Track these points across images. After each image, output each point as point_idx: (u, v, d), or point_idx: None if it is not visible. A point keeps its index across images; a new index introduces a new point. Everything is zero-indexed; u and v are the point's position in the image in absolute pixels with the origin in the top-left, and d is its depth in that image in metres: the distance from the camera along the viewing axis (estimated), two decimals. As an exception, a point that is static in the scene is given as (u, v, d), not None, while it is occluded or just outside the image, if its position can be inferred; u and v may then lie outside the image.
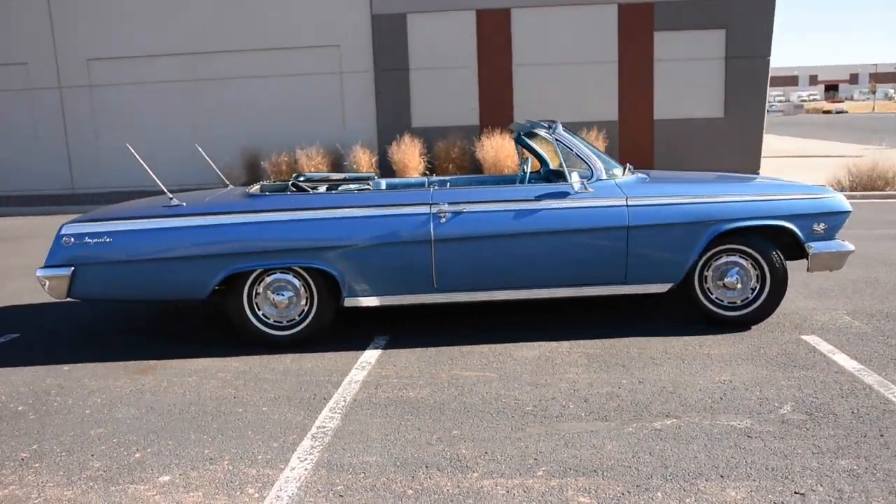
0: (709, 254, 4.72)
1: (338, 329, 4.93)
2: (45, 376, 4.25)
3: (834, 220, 4.70)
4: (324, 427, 3.41)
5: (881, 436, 3.11)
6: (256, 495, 2.80)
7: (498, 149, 13.47)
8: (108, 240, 4.39)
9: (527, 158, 5.85)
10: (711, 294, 4.78)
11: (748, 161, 14.21)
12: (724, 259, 4.74)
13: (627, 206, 4.56)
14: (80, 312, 5.67)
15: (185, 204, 4.56)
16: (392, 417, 3.49)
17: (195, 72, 15.35)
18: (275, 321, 4.60)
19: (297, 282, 4.57)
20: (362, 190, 4.80)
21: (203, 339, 4.91)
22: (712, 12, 14.02)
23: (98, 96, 15.65)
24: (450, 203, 4.51)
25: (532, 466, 2.94)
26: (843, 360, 4.08)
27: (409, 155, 13.84)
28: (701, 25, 14.09)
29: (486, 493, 2.75)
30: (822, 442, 3.07)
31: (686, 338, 4.57)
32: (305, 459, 3.08)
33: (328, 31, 15.05)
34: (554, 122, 4.93)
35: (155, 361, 4.45)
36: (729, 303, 4.77)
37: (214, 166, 6.01)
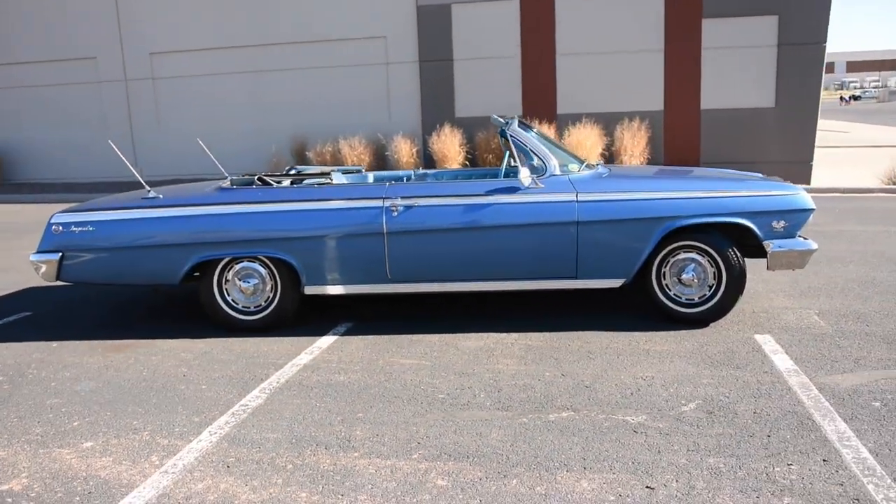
0: (666, 250, 4.72)
1: (307, 314, 5.20)
2: (34, 351, 4.70)
3: (795, 218, 4.62)
4: (246, 405, 3.68)
5: (767, 436, 3.12)
6: (157, 462, 3.09)
7: (536, 139, 13.46)
8: (91, 228, 4.81)
9: (507, 152, 5.94)
10: (670, 290, 4.78)
11: (800, 151, 13.67)
12: (682, 255, 4.73)
13: (577, 201, 4.62)
14: (91, 295, 6.17)
15: (161, 196, 4.92)
16: (311, 399, 3.73)
17: (249, 64, 15.98)
18: (243, 306, 4.92)
19: (263, 270, 4.86)
20: (322, 184, 5.03)
21: (186, 322, 5.27)
22: (764, -3, 13.52)
23: (160, 88, 16.53)
24: (402, 197, 4.70)
25: (411, 449, 3.12)
26: (781, 360, 4.04)
27: (449, 145, 14.02)
28: (752, 11, 13.59)
29: (355, 471, 2.95)
30: (703, 440, 3.10)
31: (637, 333, 4.60)
32: (215, 434, 3.36)
33: (375, 22, 15.35)
34: (512, 118, 5.01)
35: (133, 341, 4.84)
36: (687, 300, 4.76)
37: (215, 160, 6.37)
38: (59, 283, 4.98)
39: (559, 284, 4.76)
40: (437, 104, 15.39)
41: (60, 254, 4.82)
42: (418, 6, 15.09)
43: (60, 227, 4.83)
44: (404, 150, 14.29)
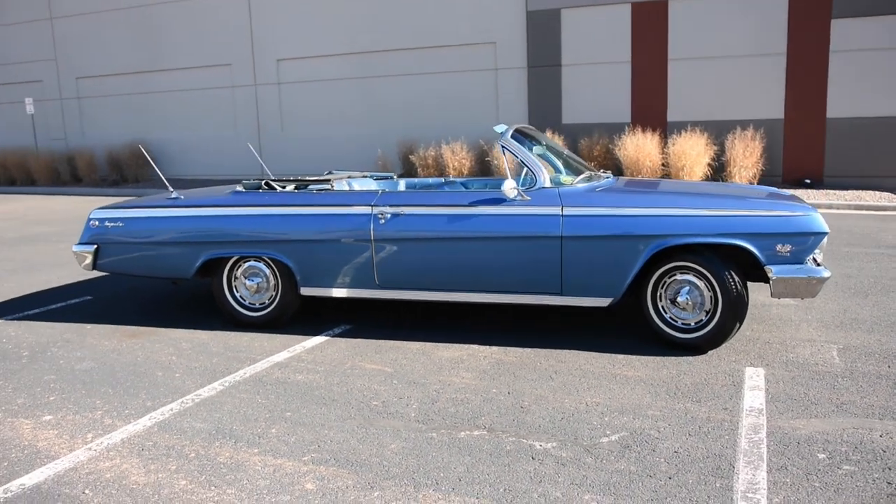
0: (661, 270, 4.46)
1: (315, 314, 5.42)
2: (67, 331, 5.27)
3: (802, 242, 4.19)
4: (198, 395, 3.94)
5: (668, 479, 2.89)
6: (89, 440, 3.40)
7: (639, 147, 12.98)
8: (121, 224, 5.31)
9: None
10: (666, 313, 4.52)
11: (943, 167, 12.17)
12: (679, 277, 4.45)
13: (562, 215, 4.47)
14: (141, 285, 6.77)
15: (182, 197, 5.33)
16: (257, 395, 3.92)
17: (363, 70, 16.66)
18: (249, 303, 5.22)
19: (267, 270, 5.13)
20: (321, 190, 5.21)
21: (208, 315, 5.64)
22: (907, -6, 12.16)
23: (285, 93, 17.64)
24: (390, 205, 4.78)
25: (307, 451, 3.20)
26: (753, 398, 3.70)
27: (549, 152, 13.84)
28: (887, 10, 12.27)
29: (243, 466, 3.08)
30: (596, 475, 2.94)
31: (621, 356, 4.38)
32: (154, 419, 3.63)
33: (485, 28, 15.47)
34: (508, 127, 4.92)
35: (152, 329, 5.29)
36: (683, 324, 4.47)
37: (261, 160, 6.78)
38: (94, 271, 5.52)
39: (544, 300, 4.63)
40: (544, 110, 15.25)
41: (96, 246, 5.36)
42: (528, 11, 15.04)
43: (97, 222, 5.37)
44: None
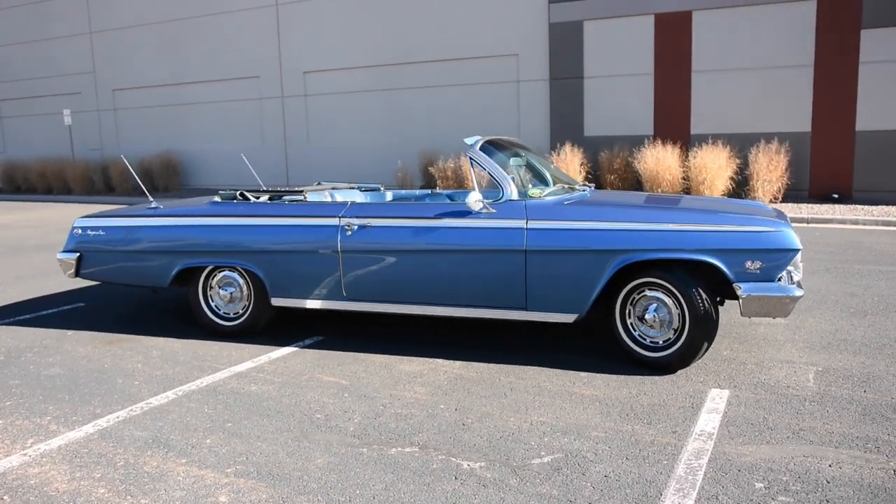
0: (630, 286, 4.33)
1: (293, 324, 5.42)
2: (47, 337, 5.37)
3: (773, 259, 4.02)
4: (149, 403, 3.95)
5: (579, 502, 2.78)
6: (28, 445, 3.43)
7: (659, 160, 12.75)
8: (101, 233, 5.40)
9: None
10: (634, 331, 4.38)
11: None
12: (648, 293, 4.31)
13: (526, 228, 4.38)
14: (135, 294, 6.85)
15: (160, 207, 5.39)
16: (206, 405, 3.91)
17: (387, 82, 16.76)
18: (223, 313, 5.24)
19: (241, 280, 5.15)
20: (293, 201, 5.21)
21: (192, 324, 5.68)
22: (941, 3, 11.72)
23: (311, 105, 17.85)
24: (357, 217, 4.75)
25: (232, 463, 3.17)
26: (707, 421, 3.55)
27: (569, 165, 13.69)
28: (920, 20, 11.85)
29: (165, 476, 3.06)
30: (515, 497, 2.83)
31: (585, 374, 4.26)
32: (98, 426, 3.65)
33: (507, 40, 15.44)
34: (478, 139, 4.85)
35: (130, 336, 5.34)
36: (651, 342, 4.33)
37: (255, 174, 6.83)
38: (77, 278, 5.60)
39: (509, 315, 4.53)
40: (565, 122, 15.13)
41: (79, 254, 5.45)
42: (550, 23, 14.96)
43: (80, 231, 5.47)
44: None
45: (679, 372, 4.26)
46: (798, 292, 4.03)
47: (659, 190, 12.70)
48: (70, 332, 5.48)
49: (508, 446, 3.30)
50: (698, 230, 4.12)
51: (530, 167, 5.43)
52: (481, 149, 4.74)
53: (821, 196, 12.86)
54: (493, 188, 4.67)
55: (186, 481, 3.03)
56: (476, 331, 5.20)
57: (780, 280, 4.07)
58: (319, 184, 6.38)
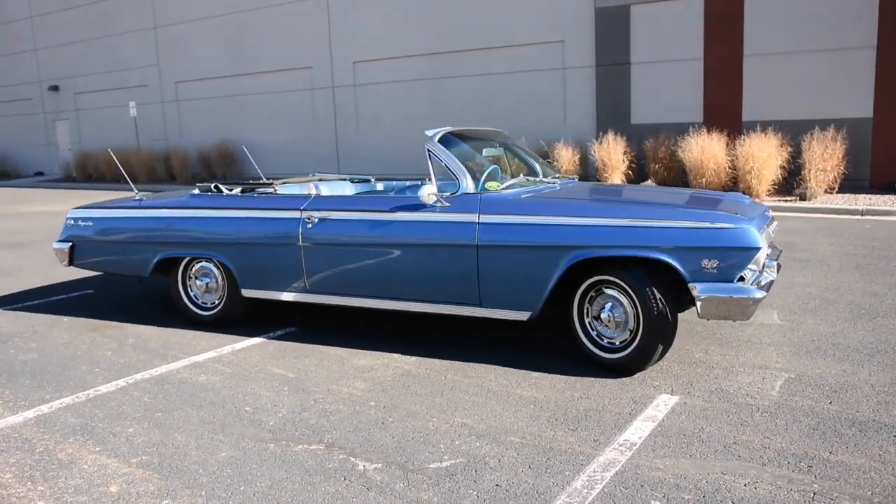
0: (587, 283, 4.14)
1: (271, 315, 5.47)
2: (41, 323, 5.60)
3: (730, 257, 3.75)
4: (97, 391, 4.06)
5: (465, 512, 2.67)
6: (-33, 429, 3.59)
7: (703, 149, 12.21)
8: (90, 223, 5.58)
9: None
10: (592, 330, 4.20)
11: None
12: (606, 292, 4.12)
13: (478, 223, 4.25)
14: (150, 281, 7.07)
15: (143, 199, 5.53)
16: (148, 393, 3.98)
17: (433, 71, 16.71)
18: (201, 302, 5.33)
19: (216, 270, 5.22)
20: (263, 193, 5.22)
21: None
22: None
23: (360, 94, 18.00)
24: (317, 210, 4.72)
25: (142, 453, 3.21)
26: (637, 430, 3.35)
27: (612, 153, 13.30)
28: None
29: (73, 465, 3.13)
30: (390, 500, 2.75)
31: (535, 374, 4.11)
32: (41, 411, 3.77)
33: (553, 26, 15.10)
34: (439, 131, 4.71)
35: (117, 324, 5.51)
36: (608, 343, 4.14)
37: (256, 165, 6.92)
38: (71, 267, 5.82)
39: (464, 311, 4.42)
40: (612, 110, 14.70)
41: (71, 244, 5.66)
42: (597, 8, 14.54)
43: (73, 221, 5.67)
44: (565, 157, 13.88)
45: (637, 375, 4.05)
46: (758, 294, 3.75)
47: (703, 181, 12.16)
48: (66, 319, 5.71)
49: (415, 448, 3.21)
50: (651, 226, 3.89)
51: (510, 159, 5.27)
52: (443, 140, 4.62)
53: (883, 187, 12.01)
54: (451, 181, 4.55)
55: (90, 470, 3.09)
56: (451, 326, 5.10)
57: (740, 280, 3.80)
58: (314, 174, 6.40)
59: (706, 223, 3.82)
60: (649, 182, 12.90)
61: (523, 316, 4.25)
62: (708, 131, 12.48)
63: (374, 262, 4.57)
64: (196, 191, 5.46)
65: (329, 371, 4.29)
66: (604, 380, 4.00)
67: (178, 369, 4.40)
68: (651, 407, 3.61)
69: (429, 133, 4.65)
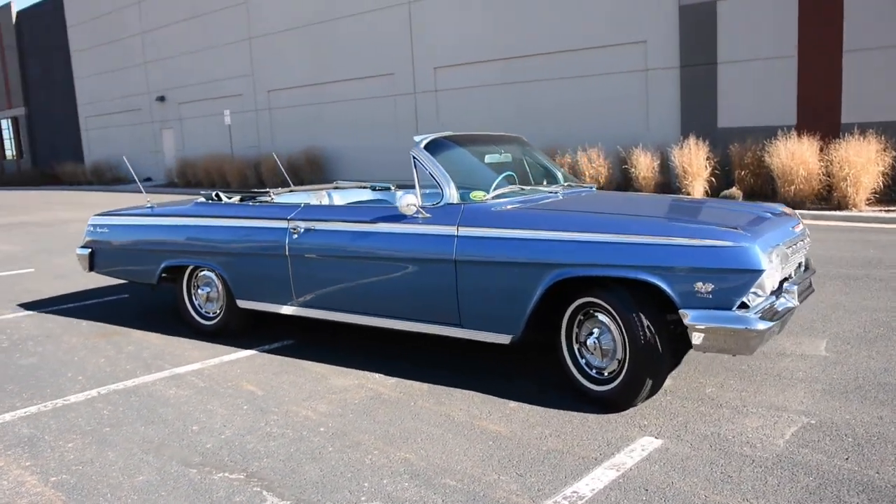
0: (574, 305, 3.71)
1: (275, 328, 5.33)
2: (59, 328, 5.70)
3: (727, 280, 3.22)
4: (67, 400, 4.02)
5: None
6: (-73, 435, 3.62)
7: (793, 154, 11.19)
8: (107, 230, 5.65)
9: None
10: (581, 358, 3.76)
11: None
12: (596, 316, 3.68)
13: (457, 235, 3.90)
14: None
15: (154, 206, 5.52)
16: (109, 405, 3.90)
17: (513, 75, 16.33)
18: (204, 312, 5.27)
19: (216, 280, 5.13)
20: (259, 202, 5.06)
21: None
22: None
23: (441, 100, 17.87)
24: (304, 220, 4.52)
25: (66, 471, 3.10)
26: (592, 482, 2.90)
27: (693, 159, 12.45)
28: None
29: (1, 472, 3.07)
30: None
31: (515, 403, 3.71)
32: (15, 414, 3.76)
33: (635, 27, 14.38)
34: (427, 137, 4.38)
35: (128, 330, 5.53)
36: (597, 372, 3.69)
37: (283, 170, 6.83)
38: (92, 272, 5.91)
39: (445, 331, 4.07)
40: (697, 113, 13.82)
41: (90, 250, 5.75)
42: (681, 5, 13.73)
43: (92, 228, 5.76)
44: (644, 164, 13.15)
45: (627, 412, 3.58)
46: (761, 325, 3.20)
47: (792, 189, 11.14)
48: (84, 323, 5.80)
49: (336, 485, 2.92)
50: (635, 242, 3.41)
51: (519, 166, 4.88)
52: (433, 146, 4.30)
53: None
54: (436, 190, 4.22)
55: (5, 486, 3.00)
56: (453, 345, 4.75)
57: (742, 307, 3.25)
58: (336, 183, 6.25)
59: (698, 240, 3.30)
60: (733, 190, 11.95)
61: (505, 339, 3.86)
62: (801, 135, 11.44)
63: (357, 275, 4.32)
64: (200, 199, 5.40)
65: (300, 390, 4.06)
66: (587, 415, 3.55)
67: (155, 381, 4.31)
68: (624, 452, 3.14)
69: (417, 138, 4.34)
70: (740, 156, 12.45)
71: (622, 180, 13.77)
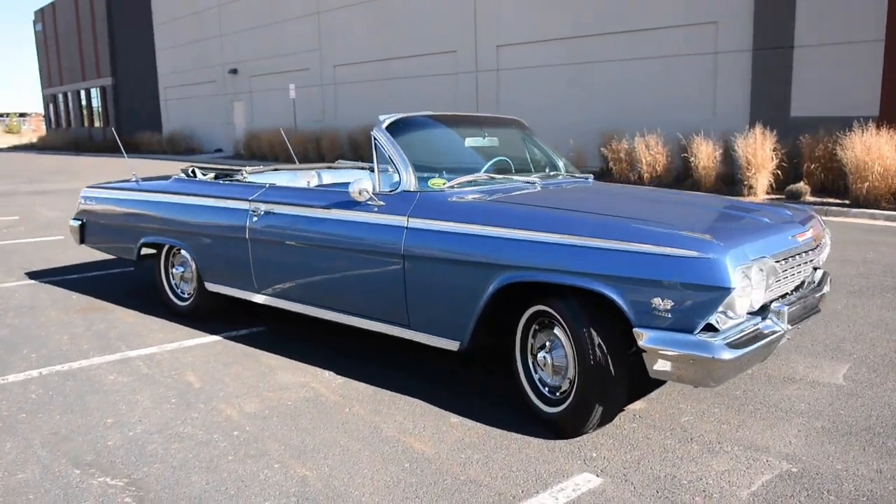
0: (527, 314, 3.28)
1: (249, 312, 5.10)
2: (50, 299, 5.65)
3: (689, 297, 2.71)
4: (6, 379, 3.89)
5: None
6: None
7: (868, 148, 10.16)
8: (94, 203, 5.53)
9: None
10: (535, 374, 3.33)
11: None
12: (551, 326, 3.24)
13: (406, 227, 3.51)
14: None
15: (139, 180, 5.34)
16: (41, 388, 3.75)
17: (574, 55, 15.61)
18: (179, 292, 5.08)
19: (189, 259, 4.92)
20: (230, 181, 4.78)
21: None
22: None
23: (503, 79, 17.31)
24: (265, 201, 4.23)
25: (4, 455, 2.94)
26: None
27: (758, 150, 11.52)
28: None
29: None
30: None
31: (458, 419, 3.34)
32: (-67, 396, 3.67)
33: (705, 6, 13.43)
34: (391, 116, 3.96)
35: (111, 306, 5.42)
36: (550, 391, 3.26)
37: (290, 147, 6.58)
38: (82, 245, 5.81)
39: (393, 331, 3.71)
40: (769, 100, 12.83)
41: (81, 222, 5.66)
42: (757, -17, 12.66)
43: (83, 200, 5.66)
44: (704, 153, 12.27)
45: (577, 440, 3.13)
46: (727, 354, 2.68)
47: (864, 186, 10.12)
48: (75, 296, 5.74)
49: (216, 501, 2.62)
50: (588, 245, 2.93)
51: (506, 151, 4.43)
52: (398, 126, 3.88)
53: None
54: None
55: None
56: (421, 350, 4.39)
57: (708, 330, 2.75)
58: (338, 161, 5.94)
59: (657, 246, 2.79)
60: (800, 185, 10.99)
61: (452, 345, 3.46)
62: (884, 127, 10.36)
63: (311, 263, 4.00)
64: (180, 174, 5.19)
65: (240, 385, 3.80)
66: (530, 440, 3.13)
67: (101, 364, 4.13)
68: (551, 491, 2.71)
69: (381, 117, 3.95)
70: (811, 148, 11.44)
71: (682, 170, 12.93)
